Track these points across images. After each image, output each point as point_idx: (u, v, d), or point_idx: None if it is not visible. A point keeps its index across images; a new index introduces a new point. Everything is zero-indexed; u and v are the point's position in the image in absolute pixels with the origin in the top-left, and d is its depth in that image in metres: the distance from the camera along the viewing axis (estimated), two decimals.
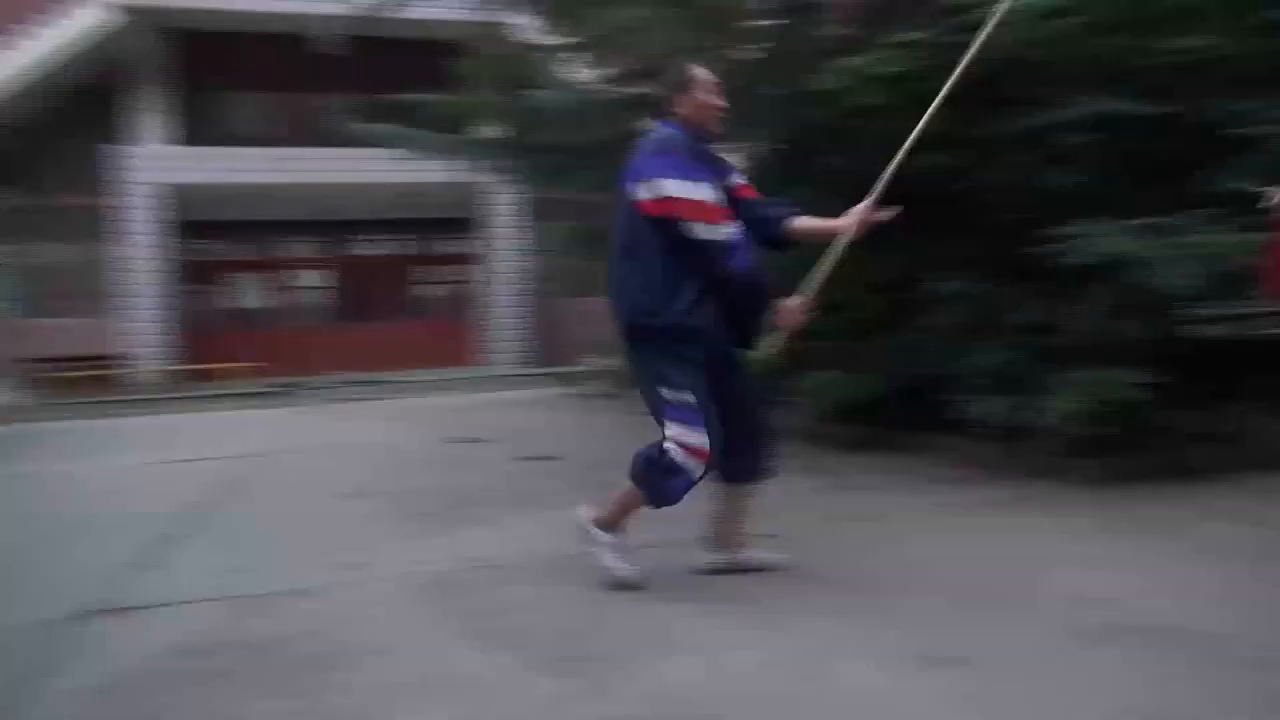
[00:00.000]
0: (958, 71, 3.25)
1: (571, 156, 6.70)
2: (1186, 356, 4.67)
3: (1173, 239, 3.89)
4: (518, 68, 6.56)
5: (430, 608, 3.11)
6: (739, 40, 5.01)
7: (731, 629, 2.81)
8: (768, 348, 3.15)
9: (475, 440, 7.02)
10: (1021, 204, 4.66)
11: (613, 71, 6.50)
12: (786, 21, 4.98)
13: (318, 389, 13.17)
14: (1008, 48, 4.08)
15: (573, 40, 6.15)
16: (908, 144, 3.24)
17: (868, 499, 4.51)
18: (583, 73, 7.40)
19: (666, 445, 3.06)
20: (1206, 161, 4.31)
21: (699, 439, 3.03)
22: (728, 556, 3.31)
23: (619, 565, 3.19)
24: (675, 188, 2.99)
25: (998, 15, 3.35)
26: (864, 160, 5.22)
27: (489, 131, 7.04)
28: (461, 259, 17.46)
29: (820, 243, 3.21)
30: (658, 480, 3.10)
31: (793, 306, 3.12)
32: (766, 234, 3.22)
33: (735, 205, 3.18)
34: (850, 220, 3.16)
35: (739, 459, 3.20)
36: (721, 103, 3.20)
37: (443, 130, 7.06)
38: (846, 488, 4.82)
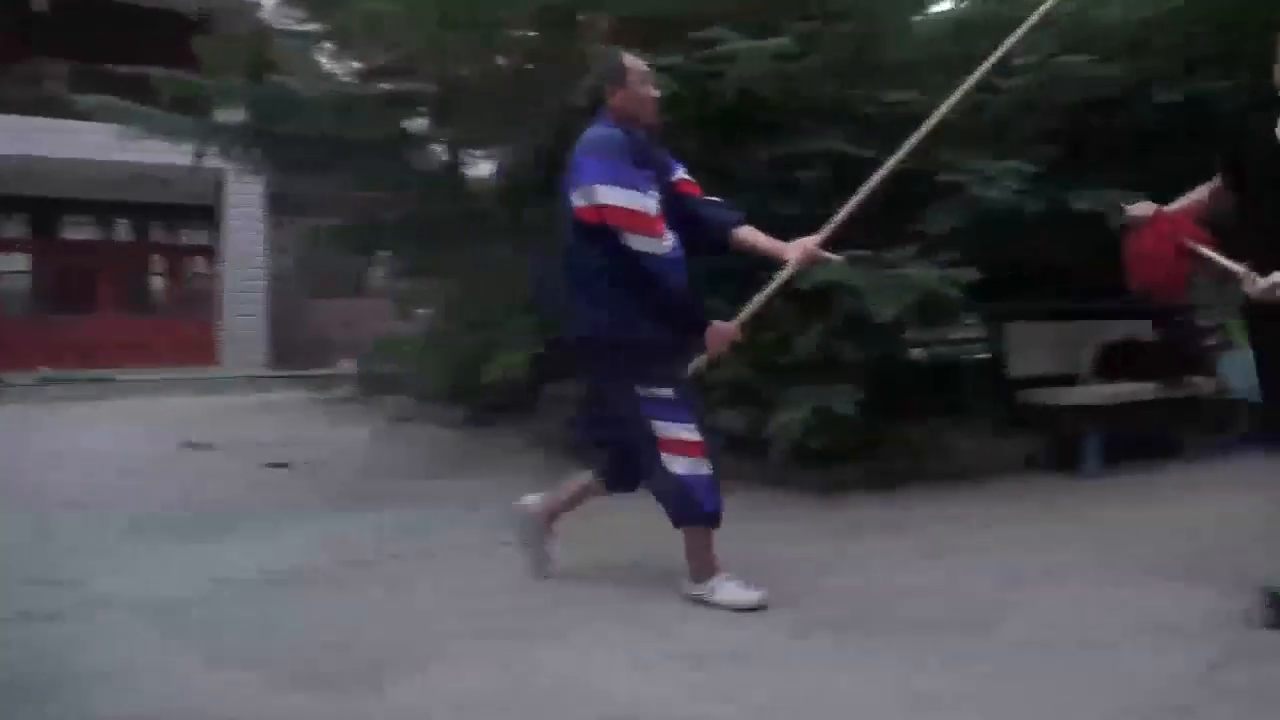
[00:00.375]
0: (967, 85, 3.28)
1: (323, 150, 6.42)
2: (896, 376, 5.18)
3: (884, 271, 4.30)
4: (265, 51, 6.19)
5: (169, 628, 2.85)
6: (499, 45, 5.01)
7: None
8: (692, 368, 3.05)
9: (215, 447, 6.58)
10: (760, 228, 4.96)
11: (368, 65, 6.30)
12: (543, 33, 5.05)
13: (24, 386, 11.74)
14: (746, 81, 4.36)
15: (321, 28, 5.89)
16: (875, 179, 3.21)
17: (607, 505, 4.63)
18: (339, 64, 7.10)
19: (661, 459, 2.92)
20: (918, 203, 4.81)
21: (686, 432, 2.89)
22: (535, 529, 3.26)
23: (740, 595, 2.97)
24: (611, 194, 2.82)
25: (1037, 15, 3.29)
26: None
27: (232, 116, 6.60)
28: (199, 250, 16.21)
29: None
30: (681, 503, 2.96)
31: (724, 330, 3.02)
32: (708, 237, 3.07)
33: (677, 201, 3.02)
34: (797, 249, 3.04)
35: (624, 469, 3.16)
36: (656, 93, 3.04)
37: (181, 111, 6.54)
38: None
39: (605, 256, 2.87)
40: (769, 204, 4.74)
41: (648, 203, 2.84)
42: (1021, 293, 5.93)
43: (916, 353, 6.44)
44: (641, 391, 2.91)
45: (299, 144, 6.45)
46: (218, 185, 14.17)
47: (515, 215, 5.88)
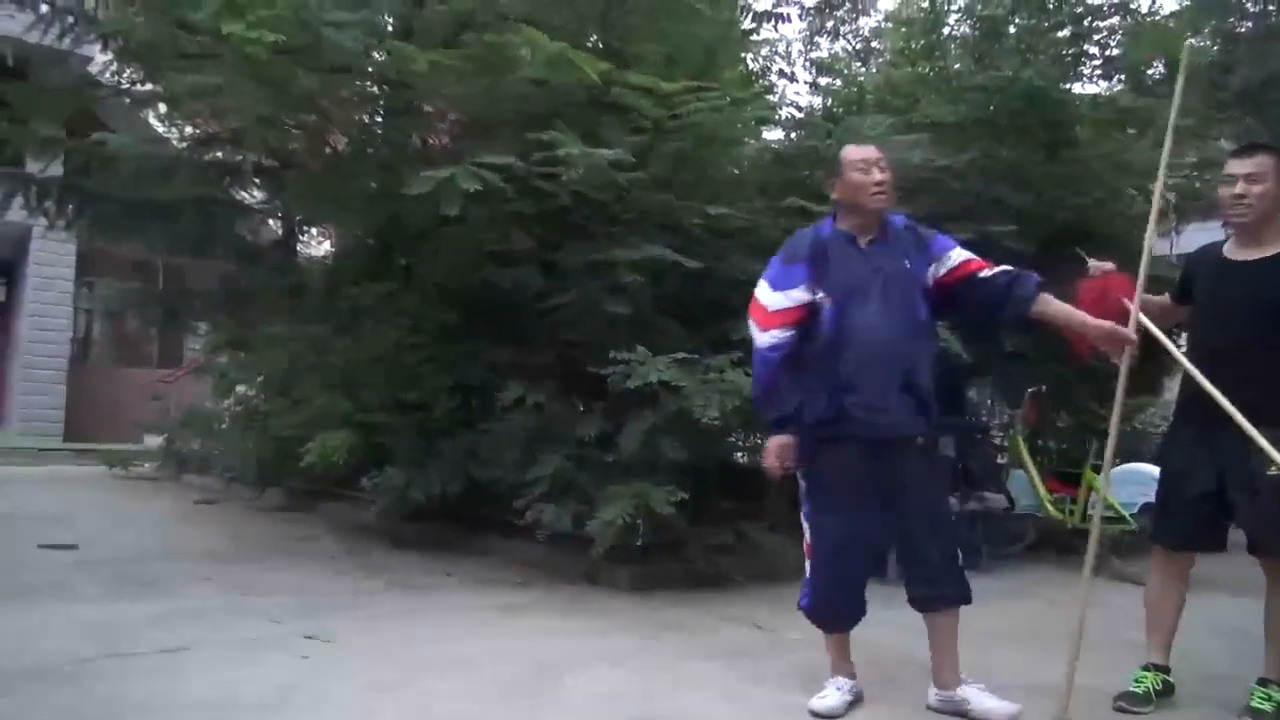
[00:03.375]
0: None
1: (145, 213, 6.14)
2: (715, 477, 5.31)
3: (704, 375, 4.46)
4: (88, 105, 5.93)
5: None
6: (334, 125, 4.99)
7: None
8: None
9: None
10: (589, 327, 5.08)
11: (202, 131, 6.12)
12: (383, 119, 5.07)
13: None
14: (580, 185, 4.51)
15: (154, 90, 5.71)
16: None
17: (417, 599, 4.49)
18: (170, 127, 6.88)
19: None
20: (736, 310, 5.05)
21: (806, 529, 3.05)
22: (944, 695, 2.98)
23: (822, 703, 2.95)
24: (758, 290, 2.99)
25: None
26: (439, 264, 5.42)
27: (39, 168, 6.25)
28: None
29: None
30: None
31: (776, 442, 2.97)
32: (1003, 313, 2.95)
33: (954, 288, 2.93)
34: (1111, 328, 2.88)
35: (913, 573, 2.99)
36: (878, 177, 2.93)
37: None
38: (400, 585, 4.76)
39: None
40: (599, 303, 4.89)
41: (773, 297, 2.95)
42: None
43: (739, 456, 6.62)
44: (800, 479, 3.06)
45: (117, 204, 6.15)
46: (20, 240, 13.20)
47: (340, 295, 5.76)
